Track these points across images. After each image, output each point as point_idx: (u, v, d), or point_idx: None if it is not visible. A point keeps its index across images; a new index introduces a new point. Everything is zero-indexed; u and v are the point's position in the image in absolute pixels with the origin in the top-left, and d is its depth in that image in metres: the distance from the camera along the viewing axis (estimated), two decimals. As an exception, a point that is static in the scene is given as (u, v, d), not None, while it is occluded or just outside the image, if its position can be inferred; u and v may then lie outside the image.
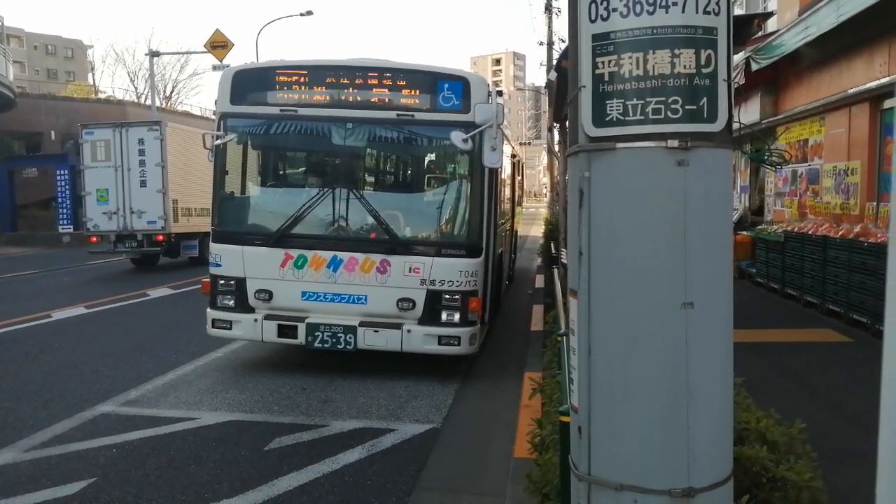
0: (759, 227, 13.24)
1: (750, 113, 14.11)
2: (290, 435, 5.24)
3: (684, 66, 1.75)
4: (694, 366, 1.83)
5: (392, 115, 6.47)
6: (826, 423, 5.03)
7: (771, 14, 11.97)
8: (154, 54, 30.10)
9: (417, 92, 6.49)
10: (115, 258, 18.50)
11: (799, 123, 12.47)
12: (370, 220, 6.63)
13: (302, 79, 6.66)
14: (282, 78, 6.68)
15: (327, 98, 6.61)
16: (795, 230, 10.96)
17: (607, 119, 1.83)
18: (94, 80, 59.21)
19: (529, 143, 75.97)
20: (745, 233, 13.70)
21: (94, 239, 16.91)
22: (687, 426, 1.84)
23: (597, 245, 1.89)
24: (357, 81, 6.58)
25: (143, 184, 16.11)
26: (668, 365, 1.83)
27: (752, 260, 12.95)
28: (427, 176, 7.47)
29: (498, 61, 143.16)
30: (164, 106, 46.87)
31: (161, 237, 16.37)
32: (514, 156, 11.94)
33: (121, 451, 4.93)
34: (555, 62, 18.74)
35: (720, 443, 1.95)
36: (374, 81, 6.55)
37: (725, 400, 1.97)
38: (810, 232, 10.34)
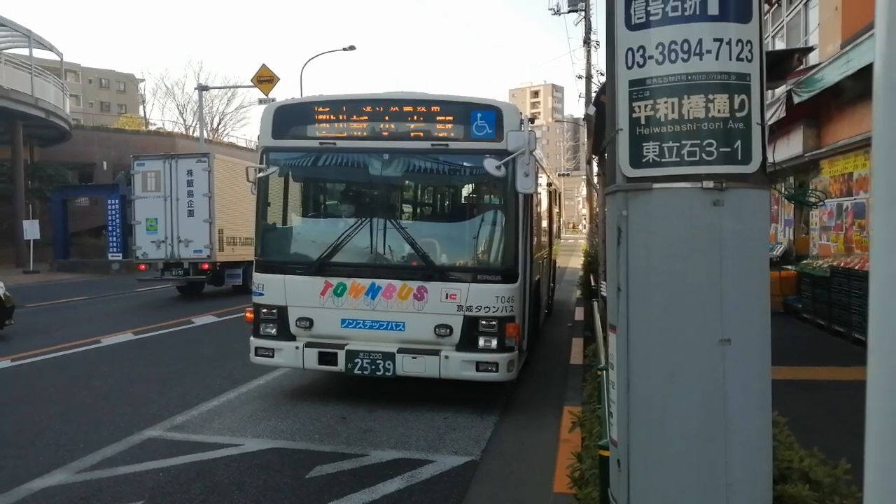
0: (805, 261, 12.98)
1: (792, 146, 13.95)
2: (330, 463, 5.31)
3: (718, 111, 1.81)
4: (731, 401, 1.86)
5: (427, 145, 6.62)
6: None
7: (811, 49, 11.90)
8: (203, 88, 31.20)
9: (451, 122, 6.63)
10: (162, 286, 18.99)
11: (843, 157, 12.27)
12: (407, 247, 6.75)
13: (340, 112, 6.88)
14: (321, 112, 6.90)
15: (364, 130, 6.81)
16: (842, 265, 10.72)
17: (644, 160, 1.90)
18: (144, 113, 61.55)
19: (568, 175, 75.74)
20: (789, 267, 13.44)
21: (143, 267, 17.37)
22: (725, 461, 1.87)
23: (635, 282, 1.95)
24: (392, 113, 6.77)
25: (190, 213, 16.59)
26: (705, 400, 1.87)
27: (797, 295, 12.68)
28: (462, 203, 7.59)
29: (536, 93, 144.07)
30: (211, 138, 48.30)
31: (206, 265, 16.76)
32: (550, 184, 11.98)
33: (167, 475, 5.07)
34: (593, 96, 18.82)
35: (759, 479, 1.96)
36: (409, 112, 6.73)
37: (764, 436, 1.99)
38: (857, 267, 10.11)
